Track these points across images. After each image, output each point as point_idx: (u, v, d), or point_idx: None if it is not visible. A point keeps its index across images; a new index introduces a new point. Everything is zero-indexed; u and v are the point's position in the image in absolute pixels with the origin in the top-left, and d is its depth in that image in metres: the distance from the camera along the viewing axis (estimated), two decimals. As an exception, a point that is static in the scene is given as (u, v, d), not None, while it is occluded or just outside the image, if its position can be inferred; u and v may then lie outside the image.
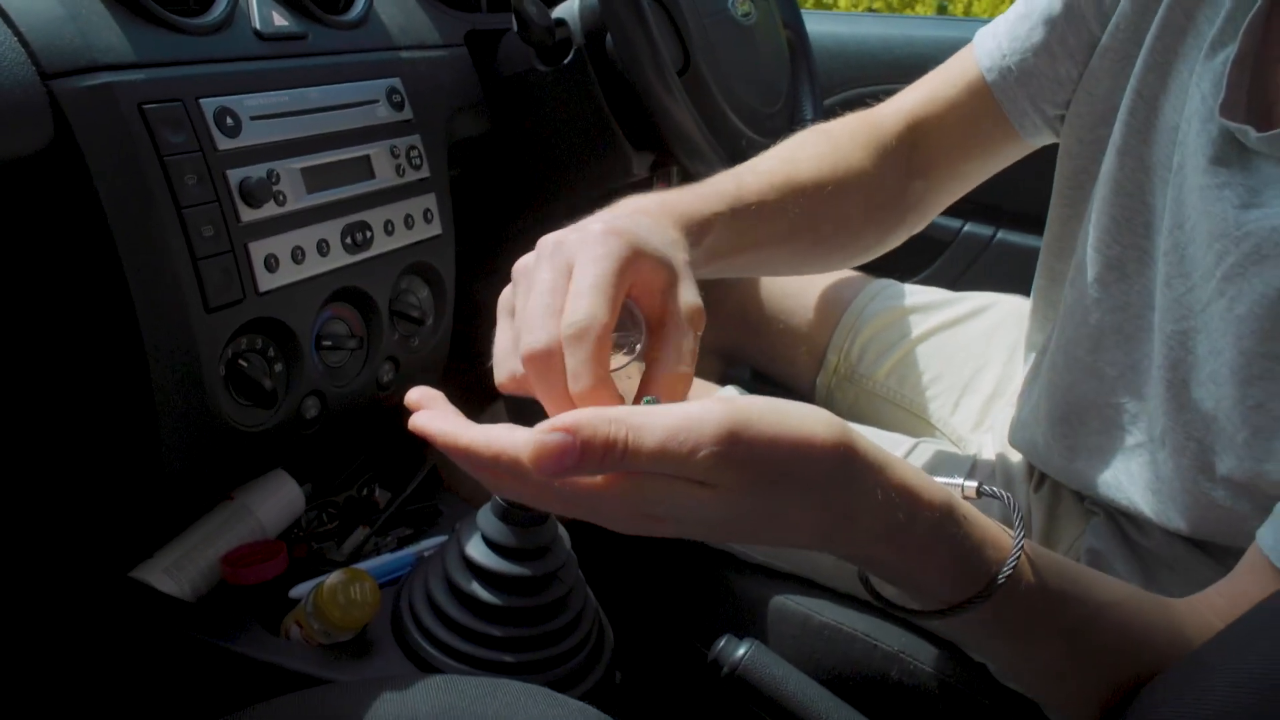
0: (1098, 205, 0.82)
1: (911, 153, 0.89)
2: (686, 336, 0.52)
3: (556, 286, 0.51)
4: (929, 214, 0.95)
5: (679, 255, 0.56)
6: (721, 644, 0.80)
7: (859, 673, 0.86)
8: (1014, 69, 0.86)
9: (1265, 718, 0.46)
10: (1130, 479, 0.81)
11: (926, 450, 0.97)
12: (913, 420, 1.06)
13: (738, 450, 0.44)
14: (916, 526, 0.51)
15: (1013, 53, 0.86)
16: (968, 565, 0.53)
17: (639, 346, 0.53)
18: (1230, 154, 0.70)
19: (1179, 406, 0.74)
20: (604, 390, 0.48)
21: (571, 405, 0.48)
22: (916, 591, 0.55)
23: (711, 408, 0.45)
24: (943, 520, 0.51)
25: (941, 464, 0.93)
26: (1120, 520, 0.85)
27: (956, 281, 1.25)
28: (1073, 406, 0.86)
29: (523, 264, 0.56)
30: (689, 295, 0.54)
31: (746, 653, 0.79)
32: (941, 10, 4.46)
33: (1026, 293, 0.98)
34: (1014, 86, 0.86)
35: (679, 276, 0.55)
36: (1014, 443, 0.95)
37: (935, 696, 0.87)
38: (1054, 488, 0.92)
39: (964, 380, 1.05)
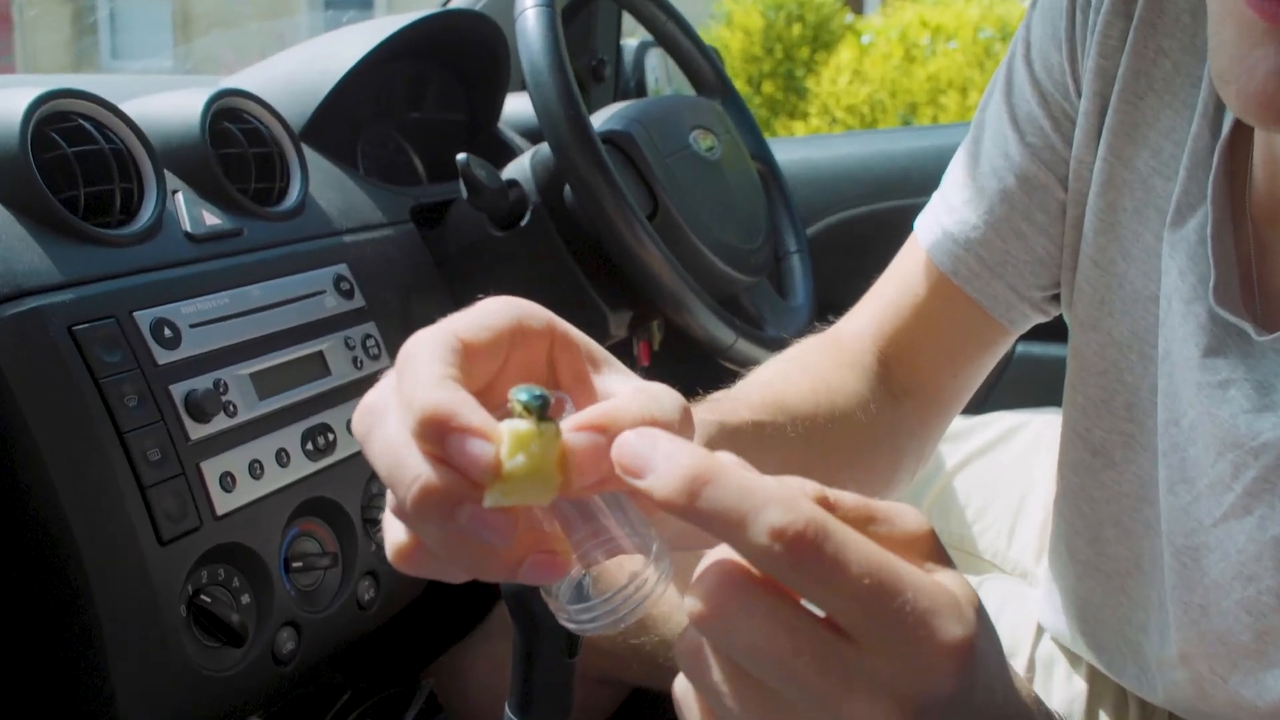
0: (1070, 382, 0.77)
1: (889, 373, 0.81)
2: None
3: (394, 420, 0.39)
4: (932, 436, 0.86)
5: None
6: None
7: None
8: (984, 259, 0.77)
9: None
10: (1152, 689, 0.76)
11: (992, 590, 0.93)
12: (965, 559, 1.03)
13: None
14: None
15: (974, 242, 0.77)
16: None
17: (654, 546, 0.39)
18: (1228, 344, 0.64)
19: (1192, 625, 0.68)
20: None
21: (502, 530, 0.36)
22: None
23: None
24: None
25: (1008, 603, 0.90)
26: None
27: (981, 406, 1.24)
28: (1085, 603, 0.81)
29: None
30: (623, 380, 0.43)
31: None
32: (906, 124, 4.64)
33: (1058, 404, 0.95)
34: (988, 279, 0.78)
35: (601, 357, 0.44)
36: (1045, 625, 0.89)
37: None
38: None
39: (1013, 507, 1.03)
